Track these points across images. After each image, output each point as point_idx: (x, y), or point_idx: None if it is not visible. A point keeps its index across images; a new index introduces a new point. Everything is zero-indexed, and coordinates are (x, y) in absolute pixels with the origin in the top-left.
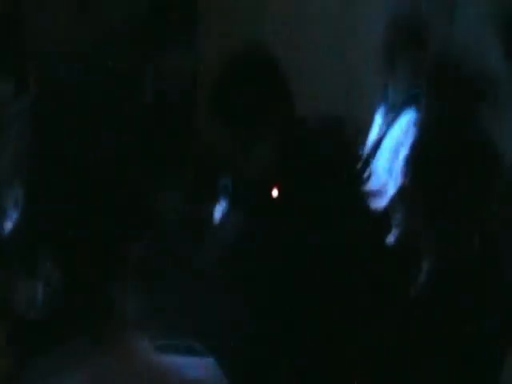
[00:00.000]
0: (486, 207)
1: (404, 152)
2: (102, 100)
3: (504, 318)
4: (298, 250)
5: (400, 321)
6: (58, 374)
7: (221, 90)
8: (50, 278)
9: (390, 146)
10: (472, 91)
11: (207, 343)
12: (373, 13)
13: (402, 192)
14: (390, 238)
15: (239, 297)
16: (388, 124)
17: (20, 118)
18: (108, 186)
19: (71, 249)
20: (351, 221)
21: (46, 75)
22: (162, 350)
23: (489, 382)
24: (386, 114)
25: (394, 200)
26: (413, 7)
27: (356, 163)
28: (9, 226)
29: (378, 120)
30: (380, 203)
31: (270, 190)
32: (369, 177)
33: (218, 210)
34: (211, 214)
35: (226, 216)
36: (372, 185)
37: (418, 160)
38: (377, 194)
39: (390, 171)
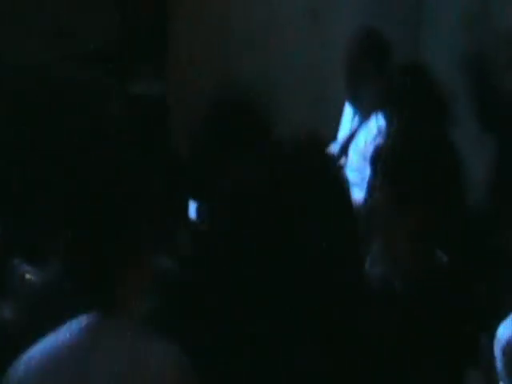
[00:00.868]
0: (445, 207)
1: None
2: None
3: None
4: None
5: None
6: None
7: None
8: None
9: (358, 149)
10: (434, 105)
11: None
12: (342, 26)
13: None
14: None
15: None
16: (355, 129)
17: None
18: None
19: None
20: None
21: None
22: None
23: None
24: (354, 120)
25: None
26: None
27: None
28: None
29: (346, 125)
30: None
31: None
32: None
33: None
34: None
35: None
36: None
37: (385, 164)
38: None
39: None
